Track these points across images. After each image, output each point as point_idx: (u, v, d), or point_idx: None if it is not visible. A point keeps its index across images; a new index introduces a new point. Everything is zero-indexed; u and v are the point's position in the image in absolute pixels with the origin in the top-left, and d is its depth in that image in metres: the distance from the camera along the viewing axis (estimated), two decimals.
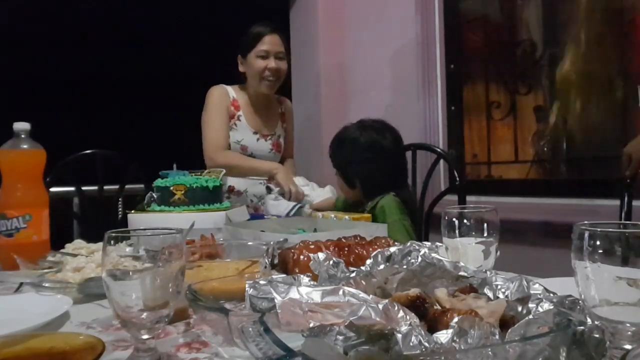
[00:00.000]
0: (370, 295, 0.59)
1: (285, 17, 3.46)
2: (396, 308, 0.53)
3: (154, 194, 1.58)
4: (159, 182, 1.58)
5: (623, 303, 0.54)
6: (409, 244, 0.68)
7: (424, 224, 2.04)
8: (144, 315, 0.62)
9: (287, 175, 2.07)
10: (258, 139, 2.29)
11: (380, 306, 0.52)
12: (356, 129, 1.85)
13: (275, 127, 2.37)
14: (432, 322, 0.54)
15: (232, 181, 2.20)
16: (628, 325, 0.54)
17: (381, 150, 1.82)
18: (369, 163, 1.80)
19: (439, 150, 2.20)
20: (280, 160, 2.40)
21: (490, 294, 0.63)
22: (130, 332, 0.63)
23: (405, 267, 0.65)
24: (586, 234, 0.56)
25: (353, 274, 0.65)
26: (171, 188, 1.54)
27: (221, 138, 2.20)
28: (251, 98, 2.31)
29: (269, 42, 2.19)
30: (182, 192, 1.54)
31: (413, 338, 0.47)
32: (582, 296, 0.57)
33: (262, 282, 0.60)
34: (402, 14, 2.91)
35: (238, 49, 2.26)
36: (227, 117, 2.24)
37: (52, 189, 2.06)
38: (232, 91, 2.30)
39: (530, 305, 0.58)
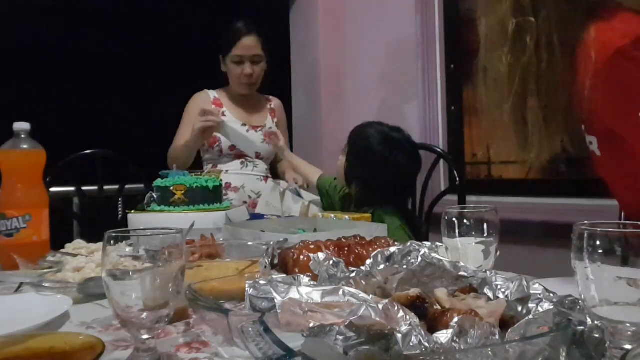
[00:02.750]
0: (370, 295, 0.59)
1: (285, 17, 3.46)
2: (396, 308, 0.53)
3: (154, 194, 1.58)
4: (159, 182, 1.58)
5: (623, 303, 0.54)
6: (409, 244, 0.68)
7: (424, 224, 2.04)
8: (144, 315, 0.62)
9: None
10: (248, 130, 2.29)
11: (380, 306, 0.52)
12: (383, 141, 1.74)
13: (264, 120, 2.37)
14: (432, 322, 0.54)
15: (228, 178, 2.20)
16: (628, 325, 0.54)
17: (402, 176, 1.76)
18: (379, 180, 1.73)
19: (439, 150, 2.20)
20: (277, 158, 2.40)
21: (490, 294, 0.63)
22: (130, 332, 0.63)
23: (405, 267, 0.65)
24: (586, 234, 0.56)
25: (353, 274, 0.65)
26: (171, 188, 1.54)
27: (182, 140, 2.21)
28: (235, 96, 2.33)
29: (244, 46, 2.18)
30: (182, 192, 1.54)
31: (413, 338, 0.47)
32: (582, 296, 0.57)
33: (262, 282, 0.60)
34: (402, 14, 2.91)
35: (219, 47, 2.27)
36: None
37: (52, 189, 2.06)
38: (213, 93, 2.33)
39: (530, 305, 0.58)
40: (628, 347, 0.53)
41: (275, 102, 2.47)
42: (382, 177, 1.72)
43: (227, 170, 2.21)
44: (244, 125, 2.30)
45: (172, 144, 2.26)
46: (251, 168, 2.26)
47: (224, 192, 2.16)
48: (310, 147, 3.26)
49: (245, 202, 2.13)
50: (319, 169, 2.04)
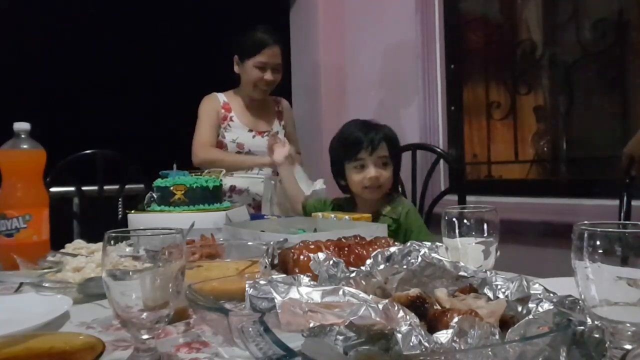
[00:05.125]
0: (370, 295, 0.59)
1: (285, 17, 3.46)
2: (396, 308, 0.53)
3: (154, 194, 1.58)
4: (159, 182, 1.58)
5: (623, 303, 0.54)
6: (408, 244, 0.68)
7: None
8: (144, 315, 0.62)
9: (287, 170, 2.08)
10: (254, 136, 2.32)
11: (380, 306, 0.52)
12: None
13: (271, 125, 2.39)
14: (432, 322, 0.54)
15: (233, 180, 2.21)
16: (628, 325, 0.54)
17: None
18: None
19: (439, 150, 2.20)
20: None
21: (490, 294, 0.63)
22: (130, 332, 0.63)
23: (405, 267, 0.65)
24: (586, 234, 0.56)
25: (353, 274, 0.65)
26: (171, 188, 1.54)
27: (205, 137, 2.26)
28: (244, 99, 2.36)
29: (269, 54, 2.23)
30: (182, 192, 1.54)
31: (413, 338, 0.47)
32: (582, 296, 0.57)
33: (262, 282, 0.60)
34: (402, 14, 2.91)
35: (236, 48, 2.29)
36: (216, 120, 2.29)
37: (52, 189, 2.06)
38: (222, 96, 2.35)
39: (530, 305, 0.58)
40: (628, 347, 0.53)
41: (283, 104, 2.49)
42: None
43: (232, 174, 2.22)
44: (251, 131, 2.32)
45: (197, 142, 2.25)
46: (256, 171, 2.27)
47: (228, 194, 2.18)
48: (310, 147, 3.26)
49: (249, 204, 2.14)
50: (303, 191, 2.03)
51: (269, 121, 2.39)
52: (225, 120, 2.30)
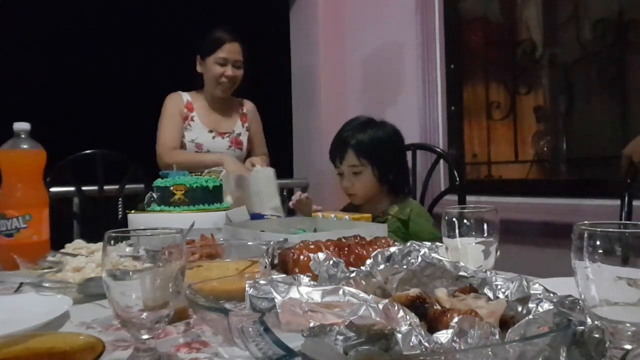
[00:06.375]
0: (370, 295, 0.59)
1: (285, 17, 3.46)
2: (396, 308, 0.53)
3: (154, 194, 1.58)
4: (159, 182, 1.58)
5: (623, 303, 0.54)
6: (408, 244, 0.68)
7: None
8: (144, 315, 0.62)
9: (234, 164, 2.12)
10: (214, 137, 2.34)
11: (380, 306, 0.52)
12: (384, 124, 1.77)
13: (233, 126, 2.40)
14: (432, 322, 0.54)
15: None
16: (628, 325, 0.54)
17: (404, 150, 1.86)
18: (404, 161, 1.80)
19: (439, 150, 2.20)
20: (247, 157, 2.40)
21: (490, 294, 0.63)
22: (130, 332, 0.63)
23: (405, 267, 0.65)
24: (586, 234, 0.55)
25: (353, 274, 0.65)
26: (171, 188, 1.54)
27: (170, 139, 2.26)
28: (207, 99, 2.37)
29: (229, 50, 2.27)
30: (182, 192, 1.54)
31: (413, 338, 0.47)
32: (582, 296, 0.57)
33: (262, 282, 0.60)
34: (402, 14, 2.91)
35: (198, 48, 2.33)
36: (180, 120, 2.31)
37: (52, 189, 2.06)
38: (186, 95, 2.37)
39: (530, 305, 0.58)
40: (628, 347, 0.53)
41: (247, 106, 2.49)
42: (405, 162, 1.84)
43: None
44: (211, 131, 2.33)
45: (160, 145, 2.26)
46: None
47: None
48: (310, 148, 3.26)
49: None
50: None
51: (232, 122, 2.41)
52: (186, 120, 2.32)
